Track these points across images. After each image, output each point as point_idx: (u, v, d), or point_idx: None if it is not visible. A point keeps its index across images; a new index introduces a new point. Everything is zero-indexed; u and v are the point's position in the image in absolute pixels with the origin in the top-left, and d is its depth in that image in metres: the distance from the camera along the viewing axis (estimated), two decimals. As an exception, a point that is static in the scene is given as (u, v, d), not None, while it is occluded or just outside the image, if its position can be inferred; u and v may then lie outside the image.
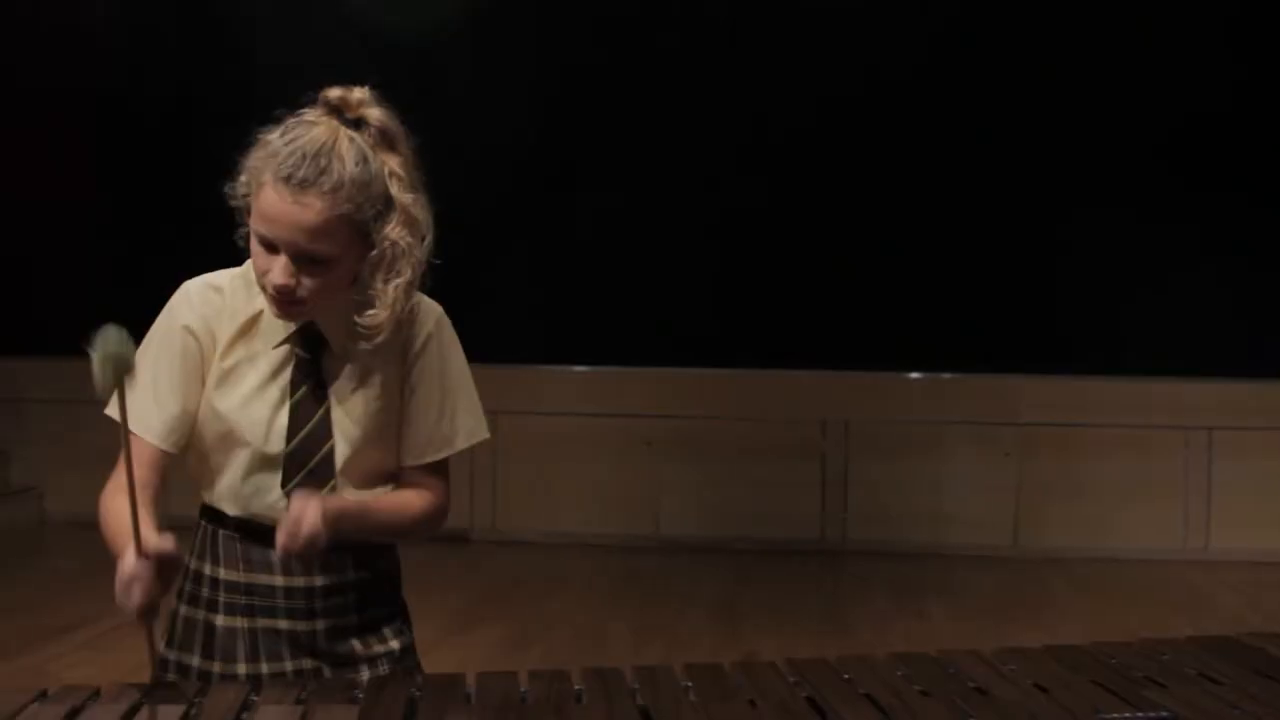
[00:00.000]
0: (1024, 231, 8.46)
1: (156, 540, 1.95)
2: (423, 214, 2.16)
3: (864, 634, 6.46)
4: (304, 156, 2.02)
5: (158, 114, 8.65)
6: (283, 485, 2.17)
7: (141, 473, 2.07)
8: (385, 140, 2.12)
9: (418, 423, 2.25)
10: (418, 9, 8.41)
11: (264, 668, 2.18)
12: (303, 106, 2.12)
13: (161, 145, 8.50)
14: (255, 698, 1.87)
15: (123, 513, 2.01)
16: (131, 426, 2.05)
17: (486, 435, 2.36)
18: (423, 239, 2.16)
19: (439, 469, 2.30)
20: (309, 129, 2.07)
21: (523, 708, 1.87)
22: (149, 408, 2.15)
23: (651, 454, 8.69)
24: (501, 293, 8.95)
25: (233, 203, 2.13)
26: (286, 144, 2.04)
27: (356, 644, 2.25)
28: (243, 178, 2.10)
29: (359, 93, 2.12)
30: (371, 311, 2.13)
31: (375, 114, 2.12)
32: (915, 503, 8.37)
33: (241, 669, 2.19)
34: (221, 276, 2.23)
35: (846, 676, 2.08)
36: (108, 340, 1.88)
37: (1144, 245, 8.32)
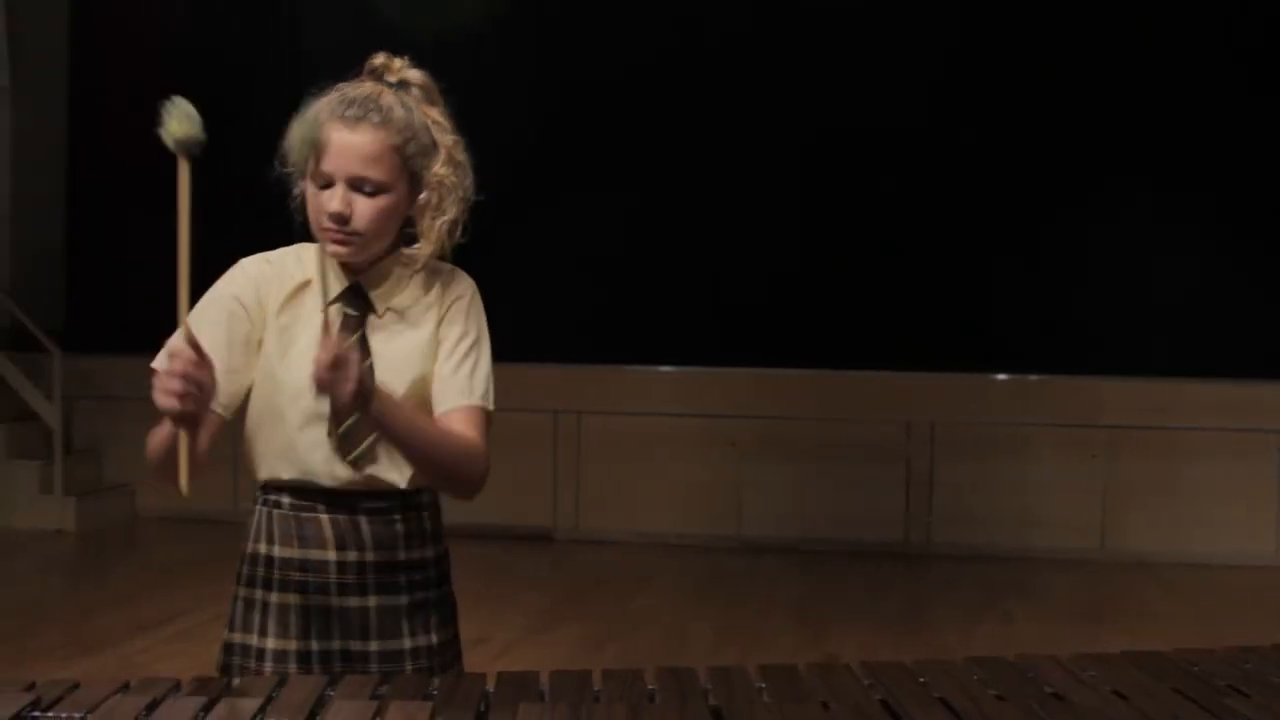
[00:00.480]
0: (1112, 233, 8.35)
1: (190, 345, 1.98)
2: (464, 156, 2.32)
3: (947, 637, 6.41)
4: (354, 99, 2.21)
5: (251, 115, 8.79)
6: (329, 433, 2.23)
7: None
8: (427, 97, 2.31)
9: (450, 370, 2.31)
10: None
11: (314, 645, 2.25)
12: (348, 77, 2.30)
13: (251, 146, 8.64)
14: (331, 692, 1.89)
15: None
16: None
17: (492, 407, 2.37)
18: (466, 179, 2.31)
19: (472, 421, 2.31)
20: (356, 86, 2.26)
21: (595, 707, 1.87)
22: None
23: (735, 454, 8.67)
24: (587, 292, 9.01)
25: (282, 170, 2.26)
26: (338, 96, 2.23)
27: (405, 627, 2.30)
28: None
29: (399, 60, 2.31)
30: (418, 245, 2.31)
31: (415, 74, 2.31)
32: (1000, 505, 8.29)
33: (294, 645, 2.25)
34: (272, 253, 2.35)
35: (922, 680, 2.06)
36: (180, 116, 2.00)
37: (1236, 246, 8.19)
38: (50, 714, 1.74)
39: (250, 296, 2.27)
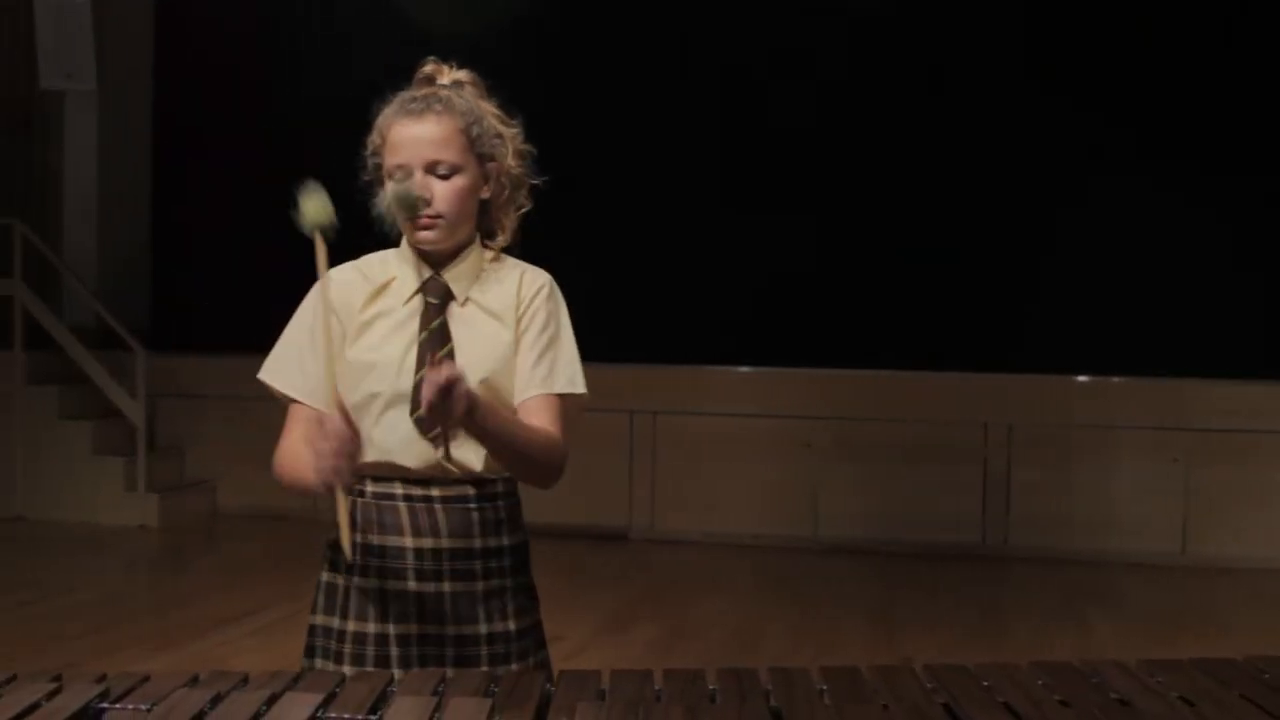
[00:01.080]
0: (1197, 233, 8.22)
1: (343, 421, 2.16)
2: (527, 146, 2.44)
3: (1022, 642, 6.34)
4: (416, 96, 2.37)
5: (327, 117, 8.89)
6: (411, 413, 2.31)
7: (302, 430, 2.35)
8: (480, 92, 2.45)
9: (524, 361, 2.39)
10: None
11: (391, 629, 2.32)
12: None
13: (331, 148, 8.74)
14: (393, 689, 1.91)
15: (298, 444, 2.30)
16: (286, 391, 2.39)
17: (584, 390, 2.44)
18: (531, 169, 2.44)
19: (549, 410, 2.39)
20: (415, 90, 2.41)
21: (654, 706, 1.87)
22: (297, 372, 2.40)
23: (810, 455, 8.65)
24: (663, 293, 9.02)
25: (367, 176, 2.42)
26: (401, 98, 2.38)
27: (481, 613, 2.35)
28: (373, 138, 2.40)
29: (447, 66, 2.46)
30: (500, 237, 2.45)
31: (465, 74, 2.46)
32: (1079, 508, 8.19)
33: (372, 628, 2.33)
34: (360, 260, 2.47)
35: (986, 684, 2.04)
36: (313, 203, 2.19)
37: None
38: (118, 706, 1.78)
39: (339, 297, 2.37)
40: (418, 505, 2.35)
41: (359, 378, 2.35)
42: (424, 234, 2.35)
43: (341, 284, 2.39)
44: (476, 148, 2.36)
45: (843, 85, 8.79)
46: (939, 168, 8.68)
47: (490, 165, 2.38)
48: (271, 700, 1.75)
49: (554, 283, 2.48)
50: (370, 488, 2.36)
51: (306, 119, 8.76)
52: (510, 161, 2.40)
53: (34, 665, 1.96)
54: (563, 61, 9.15)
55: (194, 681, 1.91)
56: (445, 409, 2.11)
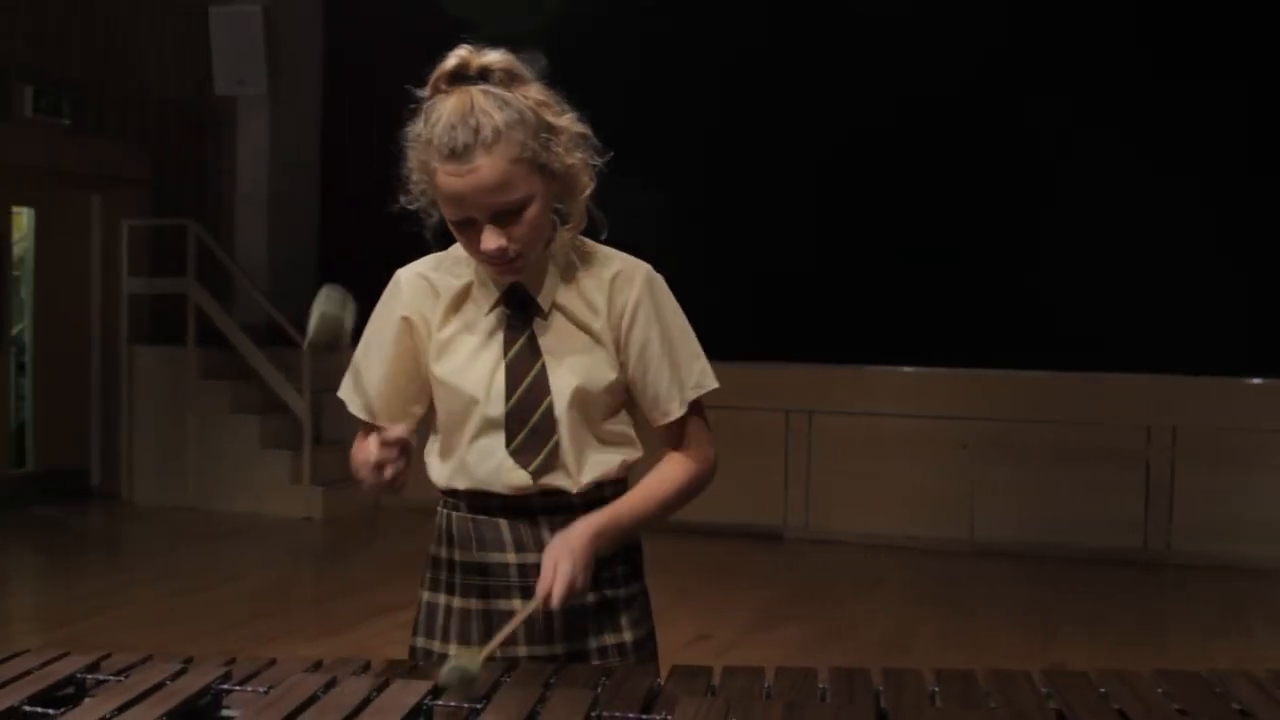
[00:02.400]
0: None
1: (396, 429, 2.09)
2: (580, 127, 2.16)
3: (1181, 651, 6.16)
4: (453, 128, 2.04)
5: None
6: (507, 446, 2.19)
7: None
8: (513, 78, 2.12)
9: (653, 384, 2.25)
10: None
11: (497, 651, 2.20)
12: (424, 92, 2.14)
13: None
14: (506, 679, 1.96)
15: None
16: (355, 411, 2.30)
17: (715, 384, 2.29)
18: (591, 150, 2.17)
19: (688, 422, 2.29)
20: (443, 103, 2.08)
21: (756, 702, 1.88)
22: (366, 387, 2.29)
23: (967, 457, 8.54)
24: (820, 293, 9.00)
25: (413, 205, 2.16)
26: (433, 127, 2.07)
27: (591, 627, 2.24)
28: (414, 177, 2.14)
29: (464, 51, 2.12)
30: (567, 227, 2.20)
31: (493, 58, 2.12)
32: (1246, 514, 7.94)
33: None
34: (428, 261, 2.30)
35: (1103, 690, 2.01)
36: (329, 301, 2.01)
37: None
38: (238, 688, 1.85)
39: (413, 311, 2.25)
40: (520, 523, 2.23)
41: (447, 399, 2.24)
42: (508, 276, 2.19)
43: (417, 293, 2.27)
44: (536, 160, 2.09)
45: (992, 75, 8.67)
46: (1098, 166, 8.51)
47: (554, 170, 2.13)
48: (382, 687, 1.81)
49: (651, 275, 2.28)
50: (465, 503, 2.26)
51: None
52: (567, 158, 2.13)
53: (194, 649, 2.05)
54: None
55: (317, 667, 1.97)
56: (576, 595, 2.11)
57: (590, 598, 2.21)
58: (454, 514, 2.28)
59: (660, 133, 9.35)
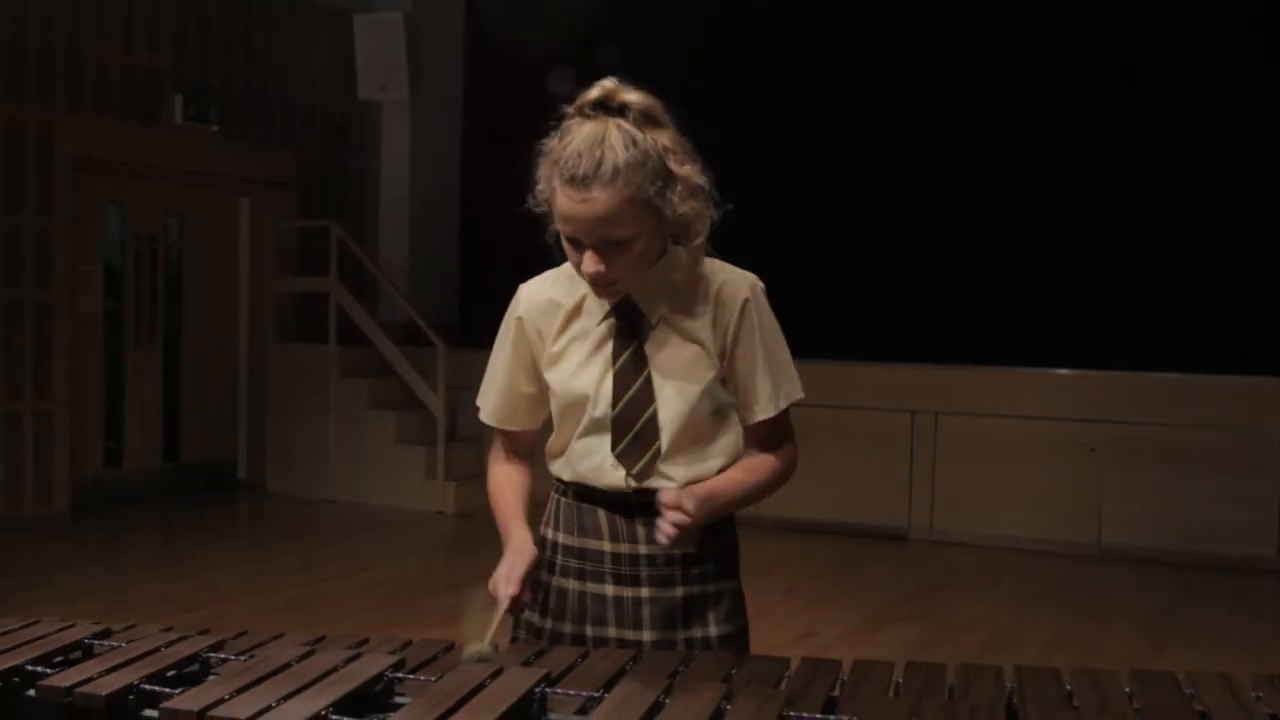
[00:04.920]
0: None
1: (533, 551, 2.32)
2: (702, 179, 2.26)
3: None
4: (579, 155, 2.17)
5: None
6: (612, 448, 2.33)
7: (507, 444, 2.53)
8: (650, 119, 2.23)
9: (748, 391, 2.37)
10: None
11: (588, 630, 2.37)
12: (569, 110, 2.27)
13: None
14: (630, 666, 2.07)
15: (504, 508, 2.44)
16: (486, 419, 2.51)
17: (802, 394, 2.42)
18: (708, 202, 2.27)
19: (780, 428, 2.41)
20: (580, 127, 2.21)
21: (887, 702, 1.90)
22: (491, 395, 2.50)
23: (1094, 459, 8.46)
24: (946, 293, 8.99)
25: (537, 209, 2.29)
26: (564, 148, 2.20)
27: (680, 619, 2.35)
28: (539, 187, 2.26)
29: (610, 83, 2.24)
30: (679, 274, 2.32)
31: (633, 98, 2.23)
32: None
33: (568, 628, 2.38)
34: (548, 276, 2.44)
35: (1189, 691, 1.98)
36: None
37: None
38: (411, 676, 1.97)
39: (530, 320, 2.41)
40: (617, 515, 2.37)
41: (559, 398, 2.39)
42: (605, 297, 2.33)
43: (535, 305, 2.42)
44: (651, 203, 2.20)
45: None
46: (1232, 162, 8.37)
47: (664, 214, 2.24)
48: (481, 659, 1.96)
49: (755, 286, 2.37)
50: (572, 490, 2.41)
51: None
52: (680, 206, 2.23)
53: (331, 633, 2.24)
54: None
55: (407, 645, 2.20)
56: (685, 533, 2.20)
57: (679, 592, 2.35)
58: (561, 499, 2.44)
59: (767, 132, 9.45)
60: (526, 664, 2.04)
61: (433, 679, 1.92)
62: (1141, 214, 8.53)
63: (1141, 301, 8.49)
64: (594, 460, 2.35)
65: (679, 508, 2.18)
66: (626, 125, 2.21)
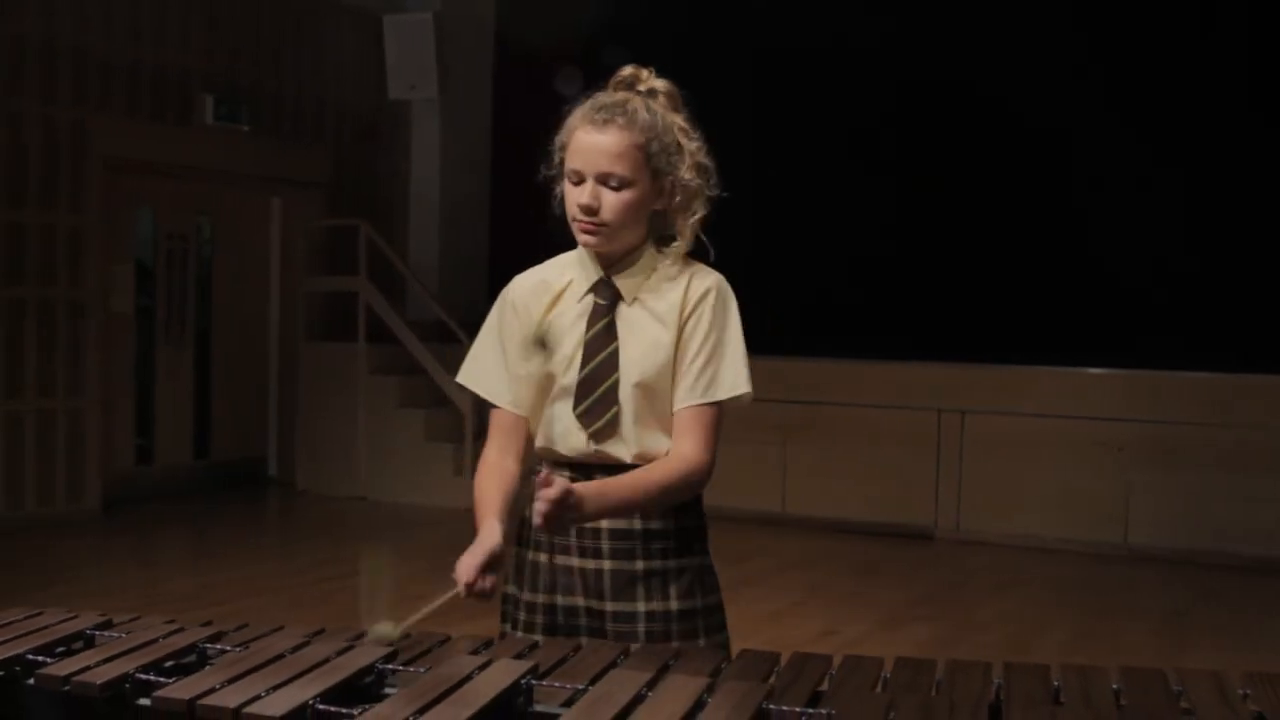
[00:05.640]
0: None
1: (496, 541, 2.35)
2: (707, 160, 2.49)
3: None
4: (604, 105, 2.44)
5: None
6: (574, 409, 2.47)
7: (500, 439, 2.56)
8: (672, 103, 2.50)
9: (685, 370, 2.46)
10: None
11: (559, 599, 2.50)
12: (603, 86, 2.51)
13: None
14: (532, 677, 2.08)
15: (483, 498, 2.48)
16: (483, 394, 2.59)
17: (748, 389, 2.47)
18: (710, 181, 2.49)
19: (700, 423, 2.45)
20: (610, 95, 2.48)
21: (867, 696, 1.92)
22: (491, 377, 2.59)
23: (1122, 459, 8.43)
24: (972, 291, 8.98)
25: (550, 173, 2.50)
26: (594, 101, 2.46)
27: (640, 590, 2.47)
28: (558, 140, 2.48)
29: (645, 71, 2.52)
30: (676, 244, 2.51)
31: (661, 84, 2.51)
32: None
33: (541, 599, 2.52)
34: (541, 266, 2.61)
35: (1177, 689, 1.98)
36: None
37: None
38: (402, 668, 2.02)
39: (519, 302, 2.56)
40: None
41: (539, 369, 2.51)
42: (586, 238, 2.46)
43: (526, 292, 2.56)
44: (652, 163, 2.42)
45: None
46: (1250, 161, 8.33)
47: (666, 179, 2.44)
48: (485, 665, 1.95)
49: (723, 284, 2.51)
50: (544, 469, 2.50)
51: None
52: (686, 175, 2.45)
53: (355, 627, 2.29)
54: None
55: (445, 640, 2.24)
56: (561, 521, 2.25)
57: (639, 565, 2.47)
58: (535, 479, 2.48)
59: (792, 134, 9.47)
60: (519, 657, 2.07)
61: (423, 670, 1.96)
62: (1172, 212, 8.49)
63: (1171, 300, 8.45)
64: (560, 425, 2.49)
65: (546, 492, 2.22)
66: (651, 102, 2.48)
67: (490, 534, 2.37)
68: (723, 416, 2.50)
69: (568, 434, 2.48)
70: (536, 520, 2.27)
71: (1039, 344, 8.74)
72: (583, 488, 2.31)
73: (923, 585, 7.53)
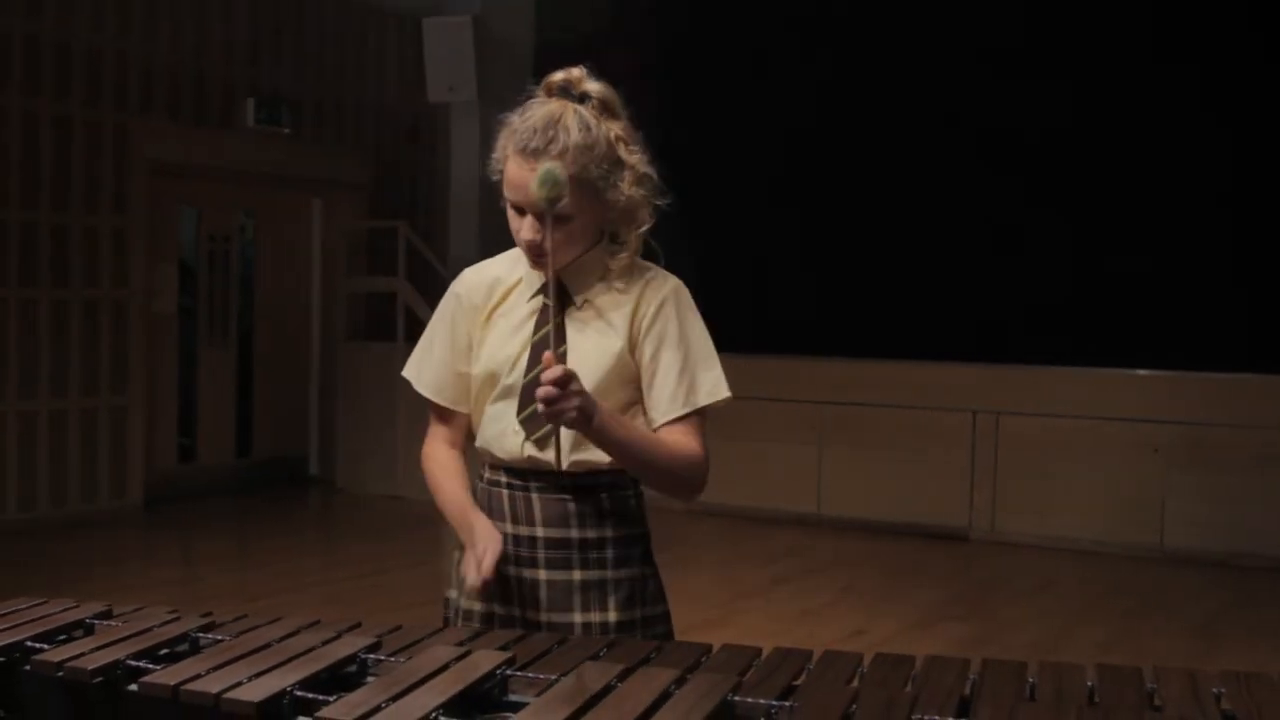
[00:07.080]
0: None
1: (495, 539, 2.34)
2: (649, 169, 2.40)
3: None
4: (535, 130, 2.31)
5: (694, 121, 9.26)
6: (518, 414, 2.39)
7: (446, 433, 2.55)
8: (607, 109, 2.39)
9: (661, 383, 2.40)
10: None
11: (496, 609, 2.43)
12: (536, 91, 2.41)
13: (695, 155, 9.09)
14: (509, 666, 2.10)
15: (456, 498, 2.46)
16: (421, 390, 2.55)
17: (728, 394, 2.42)
18: (654, 190, 2.41)
19: (690, 428, 2.40)
20: (541, 107, 2.37)
21: (833, 690, 1.93)
22: (428, 369, 2.56)
23: (1159, 460, 8.39)
24: (1007, 292, 8.95)
25: (494, 178, 2.41)
26: (523, 122, 2.35)
27: (577, 602, 2.39)
28: (495, 155, 2.40)
29: (577, 71, 2.41)
30: (621, 255, 2.43)
31: (595, 87, 2.40)
32: None
33: (479, 606, 2.44)
34: (498, 258, 2.57)
35: (1151, 686, 1.99)
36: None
37: None
38: (386, 657, 2.05)
39: (467, 296, 2.51)
40: (517, 494, 2.42)
41: (480, 366, 2.46)
42: (534, 266, 2.43)
43: (473, 285, 2.51)
44: (594, 185, 2.34)
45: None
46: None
47: (606, 196, 2.37)
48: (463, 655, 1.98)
49: (680, 288, 2.45)
50: (487, 473, 2.48)
51: (677, 124, 9.18)
52: (627, 189, 2.37)
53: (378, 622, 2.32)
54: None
55: (441, 630, 2.23)
56: (558, 408, 2.16)
57: (576, 576, 2.40)
58: (478, 483, 2.51)
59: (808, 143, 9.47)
60: (504, 649, 2.10)
61: (403, 660, 2.00)
62: (1209, 211, 8.44)
63: (1207, 300, 8.39)
64: (499, 426, 2.42)
65: (549, 373, 2.16)
66: (584, 111, 2.36)
67: (492, 530, 2.36)
68: (705, 423, 2.44)
69: (503, 436, 2.42)
70: (540, 408, 2.19)
71: (1074, 345, 8.71)
72: (607, 410, 2.27)
73: (957, 586, 7.53)
